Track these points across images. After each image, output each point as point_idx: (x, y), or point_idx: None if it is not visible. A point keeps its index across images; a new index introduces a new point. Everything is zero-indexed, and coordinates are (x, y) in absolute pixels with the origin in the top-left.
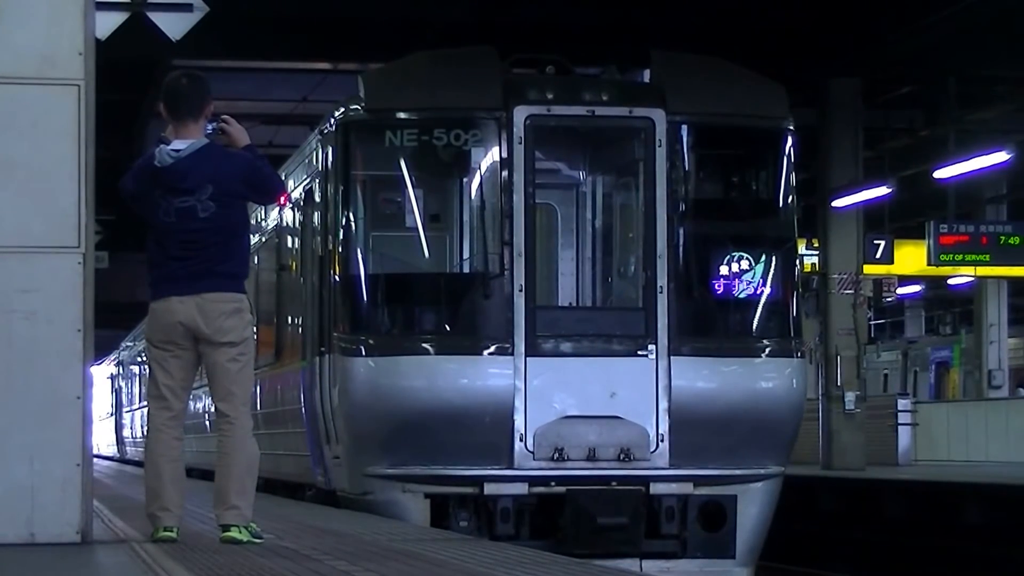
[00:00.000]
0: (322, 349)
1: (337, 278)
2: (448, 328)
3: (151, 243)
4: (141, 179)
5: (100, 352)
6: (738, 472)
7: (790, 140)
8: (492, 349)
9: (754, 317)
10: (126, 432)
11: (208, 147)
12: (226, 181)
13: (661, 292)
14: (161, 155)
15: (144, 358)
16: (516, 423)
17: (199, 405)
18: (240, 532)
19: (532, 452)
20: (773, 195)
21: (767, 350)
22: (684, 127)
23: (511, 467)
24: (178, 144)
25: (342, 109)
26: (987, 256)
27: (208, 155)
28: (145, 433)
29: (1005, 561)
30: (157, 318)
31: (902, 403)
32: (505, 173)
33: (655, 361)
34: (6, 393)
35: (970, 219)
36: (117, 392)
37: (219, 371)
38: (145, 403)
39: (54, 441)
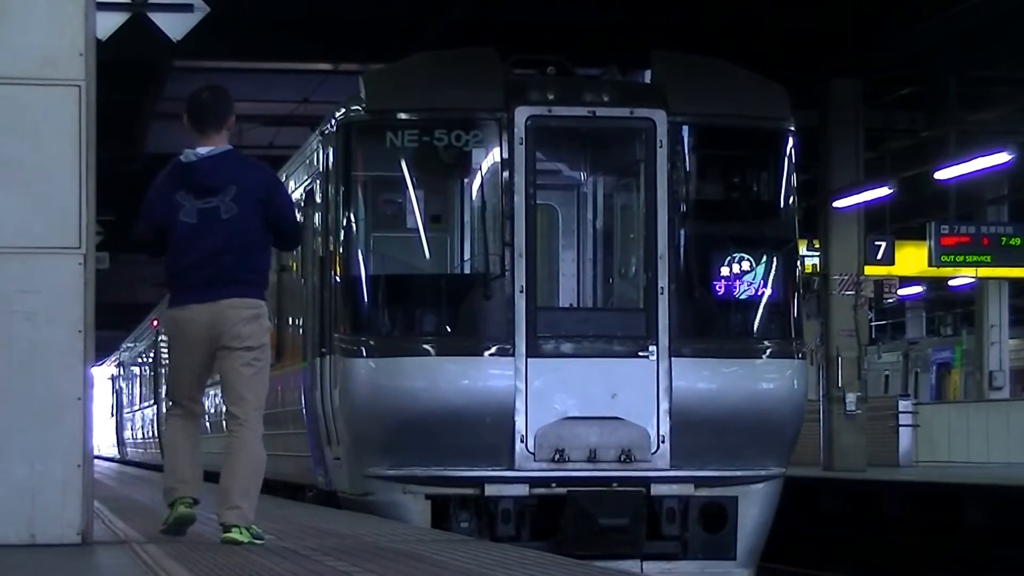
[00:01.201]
0: (323, 350)
1: (338, 279)
2: (449, 329)
3: (171, 248)
4: (161, 192)
5: (101, 353)
6: (739, 473)
7: (791, 141)
8: (493, 350)
9: (755, 318)
10: (127, 433)
11: (232, 152)
12: (248, 185)
13: (662, 293)
14: (187, 155)
15: (144, 359)
16: (517, 424)
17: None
18: (241, 533)
19: (533, 453)
20: (774, 196)
21: (768, 351)
22: (685, 128)
23: (512, 468)
24: (202, 149)
25: (343, 110)
26: (988, 257)
27: (232, 157)
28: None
29: (1006, 562)
30: (177, 325)
31: (903, 404)
32: (506, 174)
33: (656, 362)
34: (7, 394)
35: (971, 220)
36: (118, 393)
37: (233, 375)
38: (146, 404)
39: (55, 442)
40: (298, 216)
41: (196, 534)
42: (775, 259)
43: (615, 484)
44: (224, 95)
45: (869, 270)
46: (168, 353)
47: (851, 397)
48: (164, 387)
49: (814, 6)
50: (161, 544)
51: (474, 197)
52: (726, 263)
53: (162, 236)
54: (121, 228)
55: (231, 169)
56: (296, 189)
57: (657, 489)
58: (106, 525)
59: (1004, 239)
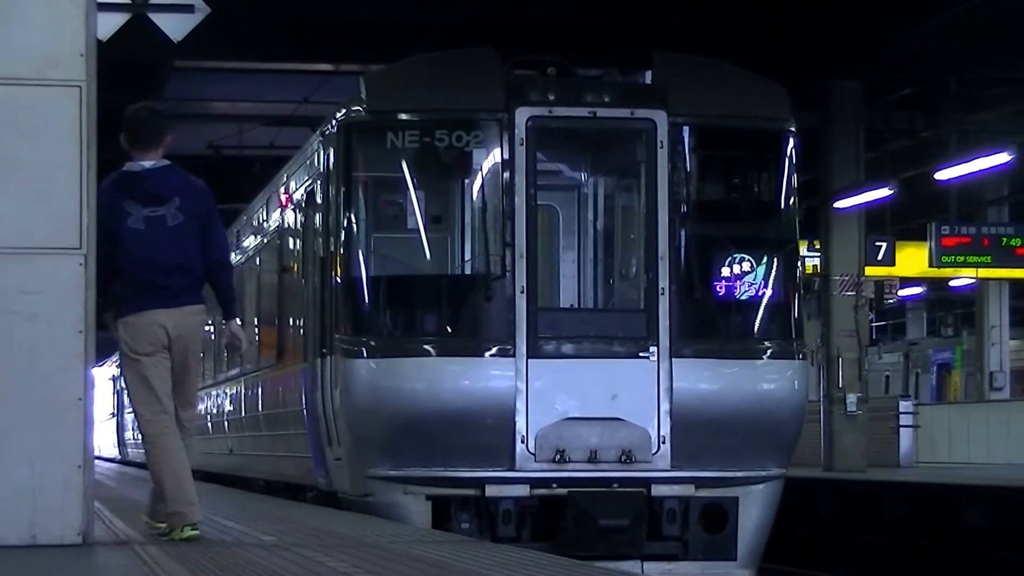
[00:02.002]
0: (324, 351)
1: (339, 280)
2: (450, 330)
3: (122, 256)
4: (108, 200)
5: (101, 353)
6: (739, 474)
7: (792, 142)
8: (494, 351)
9: (755, 319)
10: (127, 433)
11: (175, 166)
12: (191, 197)
13: (663, 294)
14: (131, 166)
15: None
16: (517, 425)
17: (200, 406)
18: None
19: (533, 454)
20: (775, 197)
21: (768, 352)
22: (686, 129)
23: (512, 469)
24: (145, 162)
25: (343, 110)
26: (989, 258)
27: (176, 171)
28: (144, 440)
29: (1006, 563)
30: (141, 329)
31: (904, 405)
32: (507, 174)
33: (656, 363)
34: (7, 395)
35: (972, 220)
36: (119, 394)
37: (189, 377)
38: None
39: (55, 443)
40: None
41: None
42: (776, 260)
43: (616, 485)
44: (162, 114)
45: (870, 271)
46: (130, 363)
47: (852, 398)
48: (133, 400)
49: (814, 6)
50: (162, 544)
51: (475, 198)
52: (727, 264)
53: (109, 243)
54: None
55: (176, 182)
56: (297, 190)
57: (658, 490)
58: (107, 526)
59: (1005, 240)
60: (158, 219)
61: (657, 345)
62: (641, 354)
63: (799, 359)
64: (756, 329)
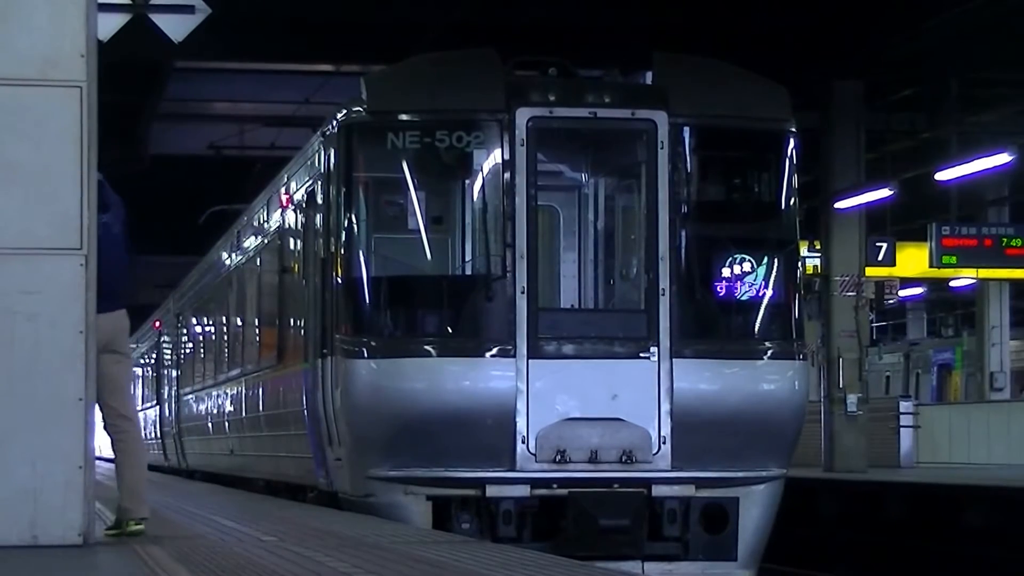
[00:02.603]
0: (324, 351)
1: (339, 280)
2: (450, 330)
3: None
4: None
5: None
6: (740, 474)
7: (792, 142)
8: (494, 351)
9: (756, 319)
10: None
11: (101, 180)
12: (118, 207)
13: (663, 294)
14: None
15: (146, 360)
16: (518, 425)
17: (201, 407)
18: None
19: (534, 454)
20: (775, 197)
21: (769, 352)
22: (686, 129)
23: (513, 469)
24: None
25: (344, 111)
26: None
27: (105, 186)
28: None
29: (1006, 563)
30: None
31: (904, 405)
32: (507, 175)
33: (657, 363)
34: (8, 395)
35: (972, 221)
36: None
37: (120, 379)
38: (148, 405)
39: (56, 443)
40: None
41: (197, 535)
42: (776, 260)
43: (616, 485)
44: None
45: (870, 271)
46: None
47: (852, 398)
48: None
49: (814, 6)
50: (162, 545)
51: (475, 198)
52: (727, 264)
53: None
54: None
55: (110, 192)
56: (297, 190)
57: (658, 490)
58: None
59: (1005, 240)
60: (105, 226)
61: (658, 345)
62: (642, 354)
63: (799, 359)
64: (756, 330)
